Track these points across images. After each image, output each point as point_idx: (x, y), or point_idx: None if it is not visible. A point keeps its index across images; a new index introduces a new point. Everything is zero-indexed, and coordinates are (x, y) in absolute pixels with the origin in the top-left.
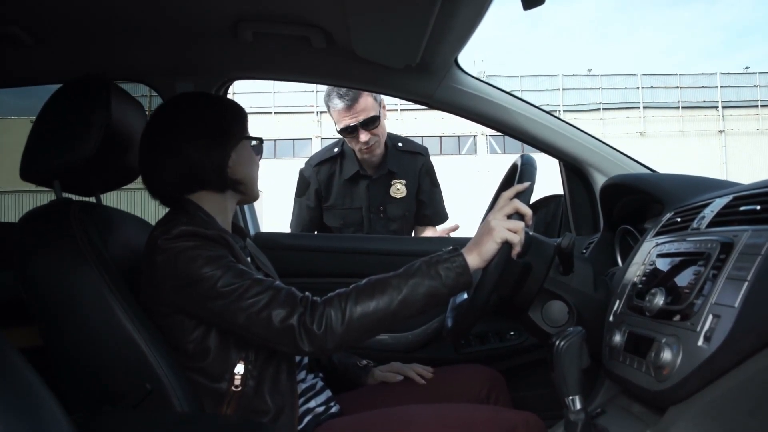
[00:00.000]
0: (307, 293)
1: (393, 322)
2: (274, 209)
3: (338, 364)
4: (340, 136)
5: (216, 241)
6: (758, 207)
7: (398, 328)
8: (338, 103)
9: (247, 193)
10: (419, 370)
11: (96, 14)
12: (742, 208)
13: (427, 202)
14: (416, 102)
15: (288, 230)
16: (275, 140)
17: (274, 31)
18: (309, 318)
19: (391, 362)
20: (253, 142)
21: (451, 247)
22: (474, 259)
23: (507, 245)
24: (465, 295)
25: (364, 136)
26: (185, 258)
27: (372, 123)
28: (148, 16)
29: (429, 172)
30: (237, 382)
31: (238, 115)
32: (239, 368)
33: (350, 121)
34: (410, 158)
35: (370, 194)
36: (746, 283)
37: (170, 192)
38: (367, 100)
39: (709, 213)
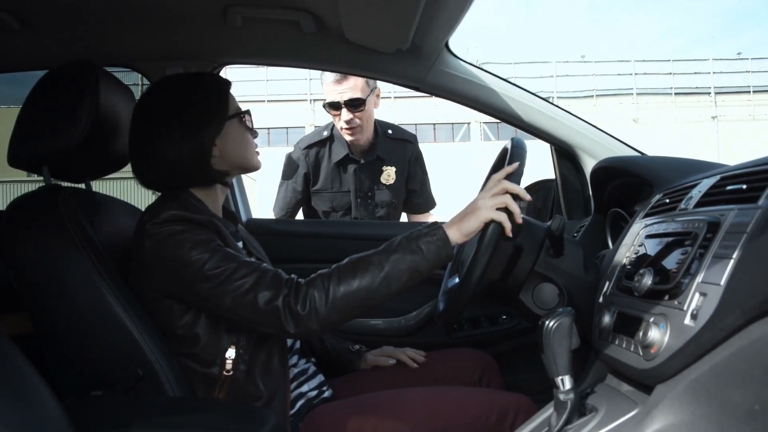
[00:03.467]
0: (293, 275)
1: (376, 300)
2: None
3: (331, 350)
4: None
5: (205, 225)
6: (744, 186)
7: (384, 308)
8: (329, 76)
9: (243, 171)
10: (411, 354)
11: None
12: (728, 188)
13: (418, 190)
14: (407, 86)
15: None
16: (269, 129)
17: (263, 15)
18: (293, 299)
19: (383, 346)
20: (243, 117)
21: (431, 222)
22: (454, 233)
23: (497, 226)
24: (456, 279)
25: (345, 115)
26: (173, 242)
27: (356, 104)
28: (137, 0)
29: (418, 159)
30: (228, 366)
31: (218, 92)
32: (230, 353)
33: (336, 97)
34: (400, 146)
35: (359, 179)
36: (732, 261)
37: (155, 187)
38: (357, 80)
39: (696, 193)
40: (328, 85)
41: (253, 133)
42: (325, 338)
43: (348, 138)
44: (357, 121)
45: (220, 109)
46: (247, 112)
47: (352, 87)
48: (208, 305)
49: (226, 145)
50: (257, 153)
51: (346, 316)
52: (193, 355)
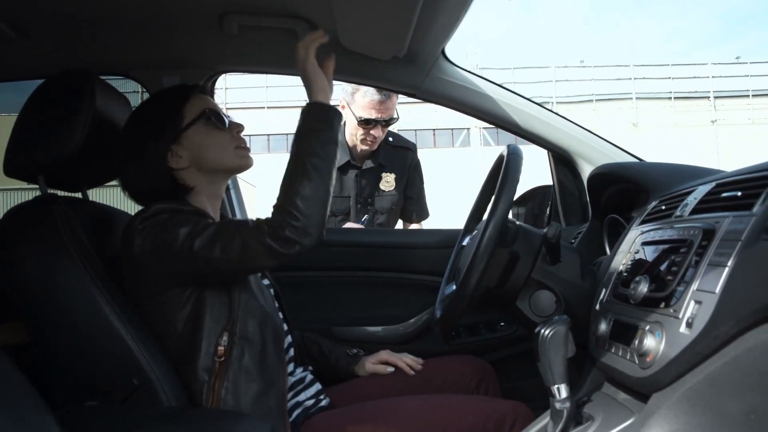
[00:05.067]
0: (258, 217)
1: (326, 183)
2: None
3: (328, 354)
4: None
5: (192, 214)
6: (739, 193)
7: (383, 316)
8: (375, 95)
9: (230, 173)
10: (410, 361)
11: (80, 8)
12: (723, 195)
13: (415, 197)
14: (404, 93)
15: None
16: (268, 135)
17: (259, 23)
18: (273, 229)
19: (381, 351)
20: (209, 117)
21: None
22: (316, 93)
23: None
24: (453, 286)
25: (378, 132)
26: (160, 227)
27: (391, 123)
28: (133, 8)
29: (417, 168)
30: (221, 352)
31: (168, 105)
32: (224, 339)
33: (378, 115)
34: (400, 153)
35: (360, 185)
36: (726, 269)
37: (144, 203)
38: (394, 101)
39: (692, 200)
40: (371, 103)
41: (233, 126)
42: (322, 343)
43: (366, 148)
44: (382, 136)
45: (170, 122)
46: (208, 110)
47: (392, 107)
48: (202, 266)
49: (193, 154)
50: (242, 149)
51: (319, 212)
52: (192, 349)
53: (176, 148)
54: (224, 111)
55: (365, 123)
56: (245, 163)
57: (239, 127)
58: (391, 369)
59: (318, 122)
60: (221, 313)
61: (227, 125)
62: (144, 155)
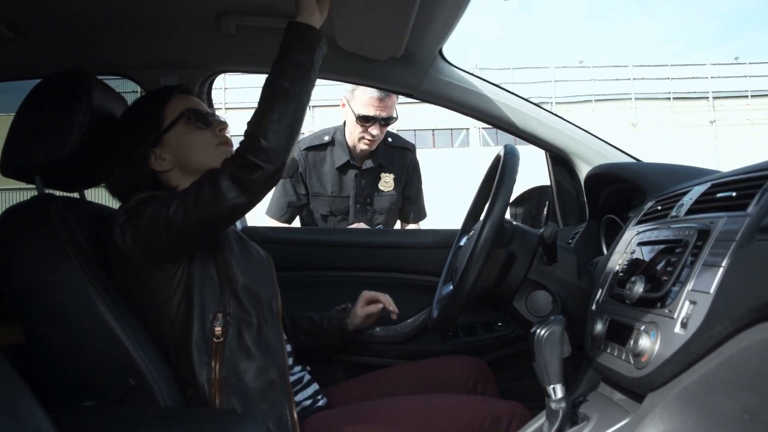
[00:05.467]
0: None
1: (302, 110)
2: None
3: (320, 321)
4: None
5: (168, 194)
6: (734, 194)
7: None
8: (375, 92)
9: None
10: (389, 301)
11: (78, 7)
12: (719, 195)
13: (413, 198)
14: (401, 93)
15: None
16: None
17: (257, 23)
18: (233, 159)
19: (363, 291)
20: (189, 117)
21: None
22: (304, 17)
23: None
24: (450, 287)
25: (376, 130)
26: (140, 213)
27: (389, 122)
28: (131, 9)
29: (416, 168)
30: (218, 333)
31: (148, 108)
32: (219, 320)
33: (377, 112)
34: (399, 153)
35: (359, 185)
36: (721, 269)
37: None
38: (394, 100)
39: (687, 201)
40: (371, 100)
41: (218, 124)
42: (312, 315)
43: (365, 148)
44: (380, 135)
45: (150, 126)
46: (187, 110)
47: (391, 106)
48: (180, 230)
49: (175, 156)
50: (225, 146)
51: (284, 136)
52: (188, 333)
53: (159, 151)
54: (208, 109)
55: (364, 120)
56: None
57: (222, 125)
58: (380, 306)
59: (294, 43)
60: (212, 294)
61: (210, 123)
62: (128, 159)
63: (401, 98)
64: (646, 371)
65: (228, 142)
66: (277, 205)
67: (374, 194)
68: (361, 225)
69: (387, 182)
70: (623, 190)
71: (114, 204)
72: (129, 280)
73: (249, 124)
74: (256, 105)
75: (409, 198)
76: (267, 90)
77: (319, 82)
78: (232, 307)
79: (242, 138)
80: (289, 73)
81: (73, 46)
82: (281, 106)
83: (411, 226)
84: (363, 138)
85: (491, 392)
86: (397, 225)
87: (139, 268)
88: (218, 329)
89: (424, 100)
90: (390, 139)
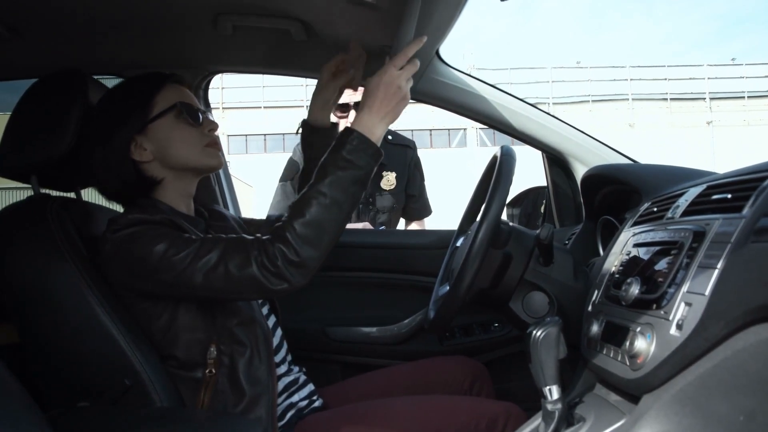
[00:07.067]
0: (257, 235)
1: (339, 223)
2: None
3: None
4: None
5: (162, 223)
6: (729, 195)
7: (376, 316)
8: None
9: (197, 173)
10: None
11: (74, 7)
12: (714, 197)
13: (417, 195)
14: None
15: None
16: (265, 135)
17: (254, 23)
18: (265, 258)
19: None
20: (179, 110)
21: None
22: (369, 123)
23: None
24: (447, 287)
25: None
26: (131, 242)
27: None
28: (127, 9)
29: (417, 165)
30: (210, 367)
31: (138, 93)
32: (211, 353)
33: (347, 99)
34: (400, 151)
35: None
36: (716, 271)
37: (115, 199)
38: None
39: (683, 202)
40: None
41: (207, 123)
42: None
43: None
44: None
45: (138, 112)
46: (179, 103)
47: (362, 90)
48: (178, 292)
49: (158, 148)
50: (212, 148)
51: (318, 251)
52: (176, 359)
53: (141, 140)
54: (200, 106)
55: (341, 109)
56: (214, 164)
57: (212, 125)
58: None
59: (357, 159)
60: (204, 324)
61: (200, 121)
62: (107, 142)
63: None
64: (641, 373)
65: (216, 144)
66: (279, 207)
67: (376, 193)
68: (366, 225)
69: (389, 181)
70: (619, 191)
71: (110, 204)
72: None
73: (287, 222)
74: (253, 105)
75: (413, 196)
76: (310, 193)
77: (313, 82)
78: (225, 339)
79: (274, 235)
80: (343, 186)
81: (69, 46)
82: (326, 216)
83: (415, 224)
84: None
85: (487, 393)
86: (401, 223)
87: (120, 291)
88: (211, 360)
89: (420, 101)
90: (390, 137)
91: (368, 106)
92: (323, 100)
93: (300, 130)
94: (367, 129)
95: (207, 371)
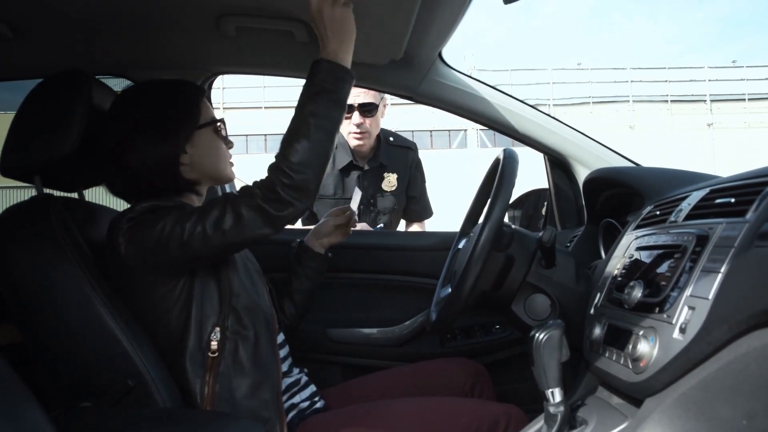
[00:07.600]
0: (255, 180)
1: (328, 145)
2: None
3: (293, 268)
4: None
5: (175, 207)
6: (733, 200)
7: (378, 318)
8: None
9: (215, 182)
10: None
11: (77, 8)
12: (717, 201)
13: (418, 197)
14: (400, 96)
15: None
16: (265, 135)
17: (257, 25)
18: (266, 190)
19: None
20: (218, 126)
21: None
22: (333, 50)
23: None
24: (449, 289)
25: (357, 118)
26: (147, 224)
27: (369, 108)
28: (131, 9)
29: (418, 167)
30: (214, 347)
31: (188, 100)
32: (216, 334)
33: (353, 100)
34: (401, 152)
35: (362, 186)
36: (719, 275)
37: (123, 197)
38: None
39: (686, 206)
40: None
41: (228, 143)
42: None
43: (354, 143)
44: (367, 126)
45: (189, 117)
46: (221, 120)
47: (366, 92)
48: (193, 251)
49: (196, 154)
50: (231, 164)
51: (312, 171)
52: (184, 345)
53: (185, 144)
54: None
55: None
56: (232, 176)
57: (231, 145)
58: (348, 213)
59: (329, 83)
60: (211, 307)
61: (229, 143)
62: (159, 142)
63: (398, 100)
64: (644, 376)
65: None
66: None
67: (377, 195)
68: (364, 226)
69: (390, 182)
70: (622, 194)
71: (112, 204)
72: (127, 288)
73: (279, 156)
74: (253, 105)
75: (414, 197)
76: (298, 126)
77: None
78: (231, 322)
79: (270, 170)
80: (323, 113)
81: (73, 47)
82: (313, 143)
83: (416, 226)
84: (351, 133)
85: (488, 395)
86: (401, 225)
87: (139, 278)
88: (214, 344)
89: (422, 103)
90: (391, 139)
91: (323, 39)
92: (321, 235)
93: (295, 247)
94: (333, 54)
95: (211, 353)
